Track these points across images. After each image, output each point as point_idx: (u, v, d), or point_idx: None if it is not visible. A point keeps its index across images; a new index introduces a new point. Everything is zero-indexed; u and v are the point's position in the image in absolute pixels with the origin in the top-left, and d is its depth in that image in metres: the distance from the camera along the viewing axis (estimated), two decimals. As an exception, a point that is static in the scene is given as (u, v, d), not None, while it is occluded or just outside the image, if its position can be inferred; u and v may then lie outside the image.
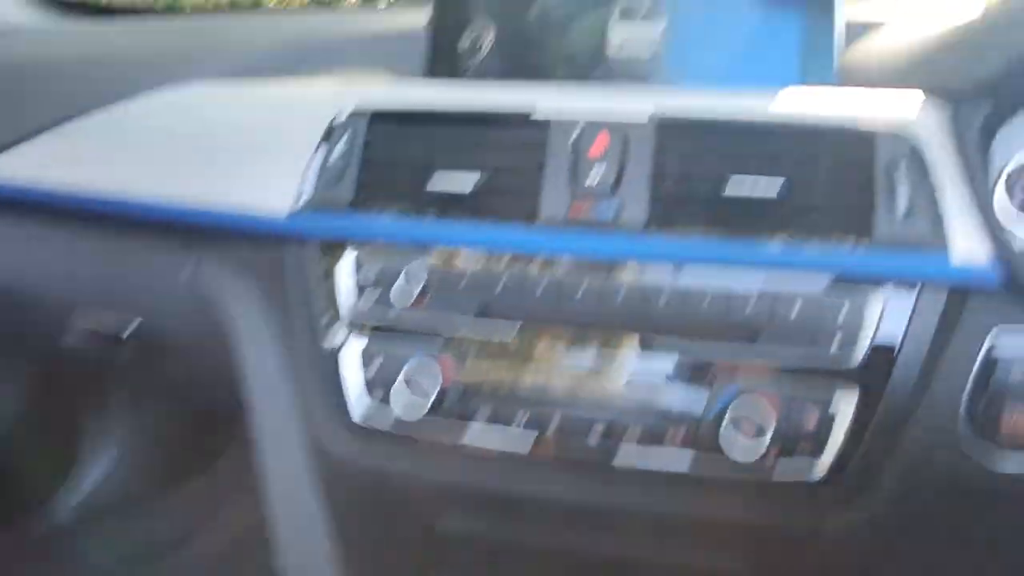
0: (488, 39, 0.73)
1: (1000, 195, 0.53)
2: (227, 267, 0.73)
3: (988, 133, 0.54)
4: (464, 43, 0.74)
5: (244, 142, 0.70)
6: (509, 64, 0.73)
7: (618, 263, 0.59)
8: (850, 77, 0.63)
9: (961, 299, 0.54)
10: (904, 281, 0.54)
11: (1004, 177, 0.54)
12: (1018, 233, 0.52)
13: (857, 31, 0.67)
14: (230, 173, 0.69)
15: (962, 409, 0.54)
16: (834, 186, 0.55)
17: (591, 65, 0.70)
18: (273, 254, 0.68)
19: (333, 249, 0.65)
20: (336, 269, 0.65)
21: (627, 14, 0.69)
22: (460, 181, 0.61)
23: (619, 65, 0.69)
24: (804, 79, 0.64)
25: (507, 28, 0.73)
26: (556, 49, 0.72)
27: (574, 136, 0.60)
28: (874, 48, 0.65)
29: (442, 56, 0.74)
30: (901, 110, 0.56)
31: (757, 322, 0.56)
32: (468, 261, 0.62)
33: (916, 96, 0.57)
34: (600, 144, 0.59)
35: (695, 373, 0.57)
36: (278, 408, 0.70)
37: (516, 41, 0.73)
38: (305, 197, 0.65)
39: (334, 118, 0.66)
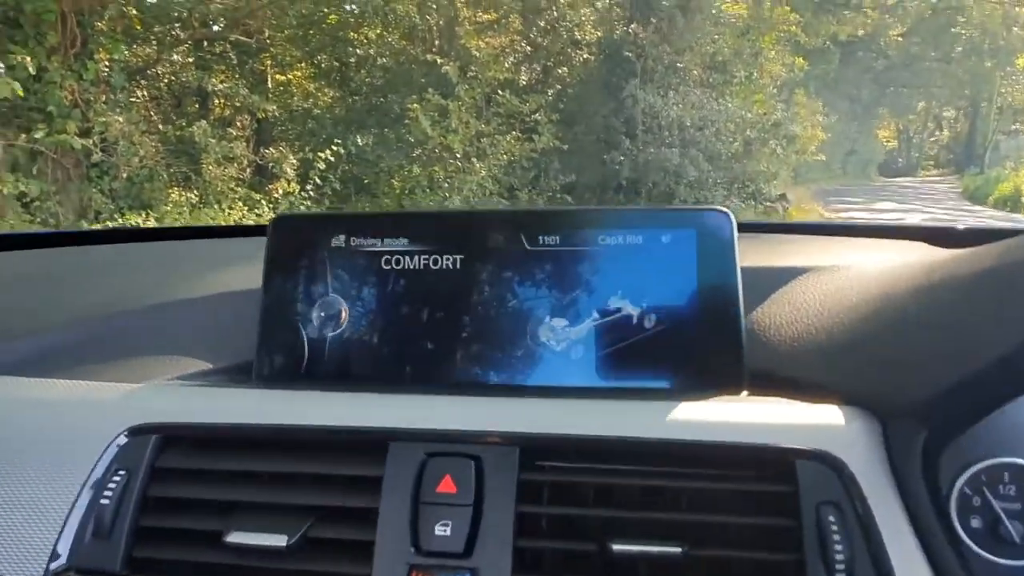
0: (334, 331, 0.61)
1: (958, 528, 0.44)
2: None
3: (930, 458, 0.45)
4: (302, 337, 0.61)
5: None
6: (357, 365, 0.60)
7: None
8: (759, 386, 0.55)
9: None
10: None
11: (955, 508, 0.44)
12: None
13: (766, 332, 0.60)
14: None
15: None
16: (753, 537, 0.45)
17: (450, 367, 0.58)
18: None
19: None
20: None
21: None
22: (269, 534, 0.47)
23: (473, 371, 0.58)
24: (708, 388, 0.55)
25: (361, 319, 0.60)
26: (419, 346, 0.59)
27: (415, 469, 0.47)
28: (785, 353, 0.57)
29: (273, 352, 0.60)
30: (824, 428, 0.47)
31: None
32: None
33: (836, 412, 0.49)
34: (448, 481, 0.47)
35: None
36: None
37: (367, 337, 0.60)
38: (61, 558, 0.48)
39: (111, 439, 0.51)
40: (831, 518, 0.43)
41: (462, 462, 0.47)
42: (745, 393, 0.55)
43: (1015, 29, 16.64)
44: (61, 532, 0.49)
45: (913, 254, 0.69)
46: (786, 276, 0.65)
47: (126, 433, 0.52)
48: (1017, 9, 15.10)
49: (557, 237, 0.59)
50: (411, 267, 0.61)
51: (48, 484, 0.51)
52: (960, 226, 0.80)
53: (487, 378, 0.58)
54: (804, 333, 0.57)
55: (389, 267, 0.61)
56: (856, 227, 0.83)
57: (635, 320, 0.57)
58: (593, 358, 0.57)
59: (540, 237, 0.60)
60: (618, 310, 0.58)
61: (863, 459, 0.45)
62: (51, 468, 0.51)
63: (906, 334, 0.47)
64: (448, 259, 0.60)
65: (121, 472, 0.50)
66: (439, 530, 0.45)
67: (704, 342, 0.56)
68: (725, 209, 0.59)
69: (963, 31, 18.39)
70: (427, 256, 0.61)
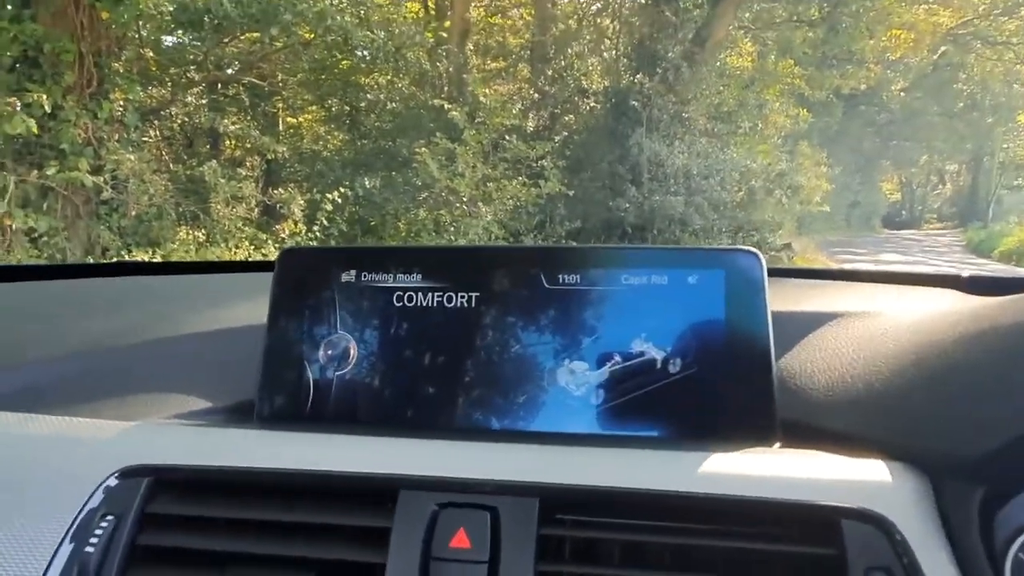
0: (342, 371, 0.57)
1: None
2: None
3: (985, 521, 0.41)
4: (308, 376, 0.57)
5: None
6: (365, 408, 0.56)
7: None
8: (791, 437, 0.51)
9: None
10: None
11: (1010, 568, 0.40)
12: None
13: (796, 380, 0.56)
14: None
15: None
16: None
17: (464, 411, 0.55)
18: None
19: None
20: None
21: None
22: None
23: (488, 415, 0.55)
24: (738, 439, 0.51)
25: (370, 359, 0.57)
26: (431, 389, 0.55)
27: (426, 521, 0.44)
28: (818, 403, 0.54)
29: (276, 391, 0.57)
30: (870, 485, 0.43)
31: None
32: None
33: (883, 467, 0.45)
34: (462, 535, 0.43)
35: None
36: None
37: (376, 378, 0.56)
38: None
39: (100, 482, 0.47)
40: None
41: (477, 514, 0.44)
42: (778, 445, 0.51)
43: (1015, 86, 16.90)
44: None
45: (946, 301, 0.66)
46: (815, 322, 0.62)
47: (116, 475, 0.48)
48: (1018, 67, 15.36)
49: (578, 276, 0.57)
50: (424, 305, 0.58)
51: (28, 530, 0.47)
52: (991, 274, 0.77)
53: (503, 424, 0.54)
54: (838, 382, 0.53)
55: (401, 304, 0.58)
56: (884, 273, 0.80)
57: (659, 365, 0.54)
58: (615, 404, 0.54)
59: (560, 276, 0.57)
60: (641, 354, 0.55)
61: (915, 520, 0.41)
62: (32, 513, 0.48)
63: (956, 385, 0.44)
64: (463, 297, 0.58)
65: (109, 518, 0.46)
66: None
67: (733, 389, 0.53)
68: (755, 250, 0.56)
69: (964, 87, 18.69)
70: (441, 293, 0.58)
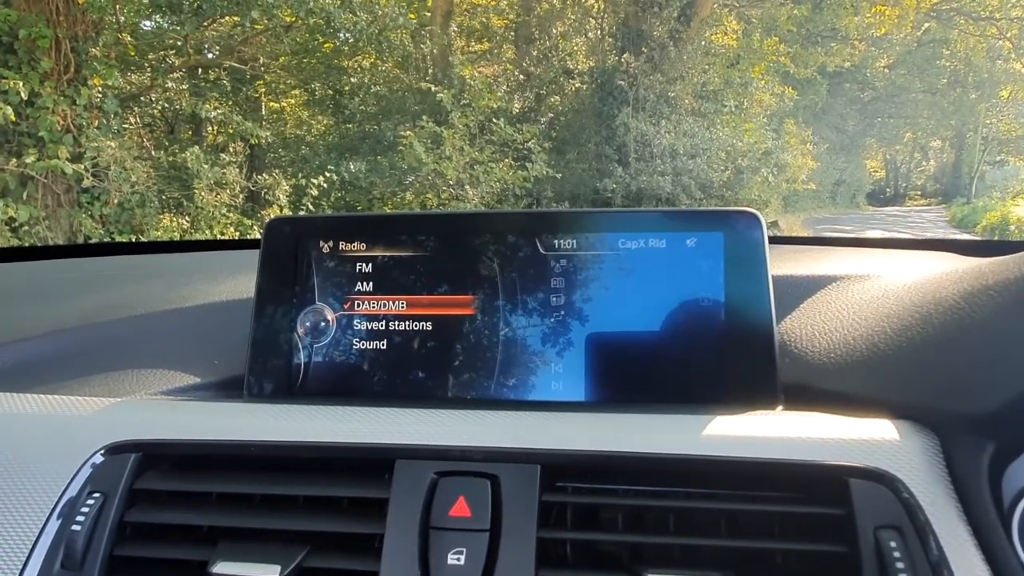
0: (332, 343, 0.56)
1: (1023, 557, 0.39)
2: None
3: (994, 477, 0.40)
4: (298, 349, 0.55)
5: None
6: (357, 380, 0.55)
7: None
8: (793, 400, 0.50)
9: None
10: None
11: (1017, 534, 0.39)
12: None
13: (797, 343, 0.55)
14: None
15: None
16: (802, 565, 0.40)
17: (459, 381, 0.54)
18: None
19: None
20: None
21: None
22: (260, 564, 0.41)
23: (483, 385, 0.53)
24: (740, 402, 0.50)
25: (361, 331, 0.55)
26: (425, 359, 0.54)
27: (424, 490, 0.43)
28: (820, 366, 0.53)
29: (265, 364, 0.55)
30: (878, 443, 0.42)
31: None
32: None
33: (889, 426, 0.44)
34: (462, 503, 0.42)
35: None
36: None
37: (368, 349, 0.55)
38: None
39: (86, 458, 0.46)
40: (893, 544, 0.38)
41: (477, 482, 0.43)
42: (780, 408, 0.50)
43: (998, 62, 16.98)
44: (26, 564, 0.43)
45: (944, 262, 0.66)
46: (813, 286, 0.61)
47: (103, 451, 0.47)
48: (1000, 43, 15.42)
49: (574, 241, 0.55)
50: (417, 273, 0.56)
51: (13, 509, 0.46)
52: (986, 238, 0.77)
53: (499, 393, 0.53)
54: (841, 344, 0.52)
55: (392, 274, 0.57)
56: (878, 240, 0.80)
57: (659, 330, 0.53)
58: (614, 371, 0.53)
59: (556, 241, 0.56)
60: (640, 319, 0.54)
61: (924, 478, 0.41)
62: (17, 490, 0.46)
63: (964, 340, 0.43)
64: (457, 264, 0.56)
65: (96, 495, 0.45)
66: (452, 559, 0.40)
67: (735, 354, 0.52)
68: (754, 210, 0.55)
69: (947, 63, 18.78)
70: (434, 261, 0.57)
